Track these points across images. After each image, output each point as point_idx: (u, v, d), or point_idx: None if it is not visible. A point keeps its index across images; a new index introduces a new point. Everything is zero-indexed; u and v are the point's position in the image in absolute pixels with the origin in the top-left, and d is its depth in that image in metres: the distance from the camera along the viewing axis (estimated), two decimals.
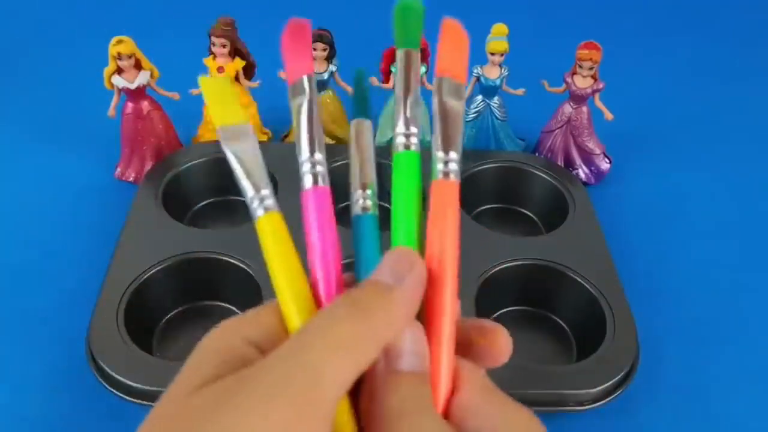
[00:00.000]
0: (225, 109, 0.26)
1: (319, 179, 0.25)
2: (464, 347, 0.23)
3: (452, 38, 0.26)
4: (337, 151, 0.65)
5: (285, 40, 0.26)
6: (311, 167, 0.24)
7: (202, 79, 0.27)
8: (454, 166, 0.24)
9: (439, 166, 0.24)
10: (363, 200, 0.25)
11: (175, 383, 0.20)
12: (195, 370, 0.20)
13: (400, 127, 0.25)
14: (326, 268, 0.23)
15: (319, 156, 0.25)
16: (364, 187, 0.25)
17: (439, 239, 0.23)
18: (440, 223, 0.23)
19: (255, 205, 0.24)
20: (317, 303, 0.23)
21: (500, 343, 0.23)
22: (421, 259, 0.22)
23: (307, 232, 0.24)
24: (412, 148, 0.25)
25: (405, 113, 0.25)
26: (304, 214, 0.24)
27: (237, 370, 0.19)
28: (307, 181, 0.24)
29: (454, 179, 0.24)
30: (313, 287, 0.23)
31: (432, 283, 0.22)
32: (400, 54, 0.26)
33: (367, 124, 0.27)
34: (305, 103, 0.25)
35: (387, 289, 0.21)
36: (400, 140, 0.25)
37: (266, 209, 0.24)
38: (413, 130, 0.25)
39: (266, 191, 0.25)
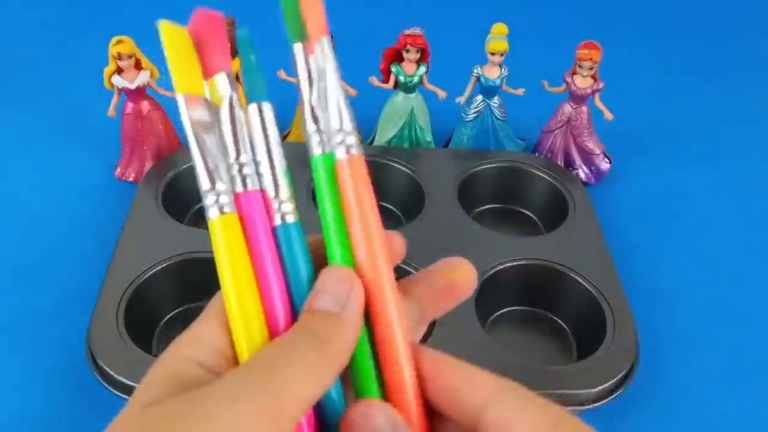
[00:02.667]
0: (189, 73, 0.22)
1: (248, 181, 0.22)
2: (433, 295, 0.24)
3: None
4: None
5: (194, 33, 0.22)
6: (239, 169, 0.22)
7: (162, 25, 0.22)
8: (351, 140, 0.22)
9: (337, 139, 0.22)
10: (281, 206, 0.22)
11: (128, 404, 0.20)
12: (147, 392, 0.20)
13: (310, 124, 0.22)
14: (271, 287, 0.22)
15: (245, 157, 0.22)
16: (278, 191, 0.23)
17: (364, 240, 0.22)
18: (358, 219, 0.22)
19: (209, 202, 0.21)
20: (267, 322, 0.22)
21: (465, 272, 0.24)
22: (357, 277, 0.22)
23: (247, 242, 0.22)
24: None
25: (311, 105, 0.23)
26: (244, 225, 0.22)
27: (191, 389, 0.20)
28: (239, 183, 0.22)
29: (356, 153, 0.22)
30: (264, 303, 0.22)
31: (369, 291, 0.22)
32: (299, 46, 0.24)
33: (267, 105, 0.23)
34: (227, 104, 0.22)
35: (336, 317, 0.21)
36: (314, 139, 0.22)
37: (221, 209, 0.21)
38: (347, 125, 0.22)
39: (223, 186, 0.21)
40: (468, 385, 0.21)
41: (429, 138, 0.68)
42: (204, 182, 0.21)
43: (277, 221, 0.22)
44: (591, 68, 0.63)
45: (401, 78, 0.64)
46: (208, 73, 0.22)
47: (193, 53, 0.22)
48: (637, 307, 0.52)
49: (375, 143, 0.67)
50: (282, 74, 0.65)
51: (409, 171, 0.63)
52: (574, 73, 0.64)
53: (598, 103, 0.65)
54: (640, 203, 0.68)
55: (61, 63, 0.82)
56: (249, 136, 0.22)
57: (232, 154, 0.22)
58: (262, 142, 0.22)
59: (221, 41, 0.22)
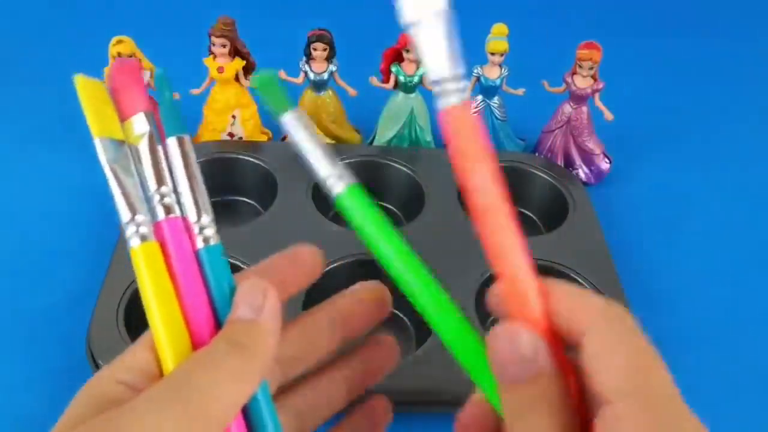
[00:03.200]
0: (104, 119, 0.24)
1: (169, 210, 0.24)
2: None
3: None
4: (337, 151, 0.65)
5: (113, 79, 0.25)
6: (160, 198, 0.24)
7: (77, 79, 0.25)
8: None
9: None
10: (203, 230, 0.24)
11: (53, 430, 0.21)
12: (69, 417, 0.22)
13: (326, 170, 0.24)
14: (194, 306, 0.23)
15: (165, 188, 0.24)
16: (199, 216, 0.24)
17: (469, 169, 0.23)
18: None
19: (130, 232, 0.23)
20: (192, 338, 0.23)
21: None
22: (271, 285, 0.23)
23: (169, 267, 0.23)
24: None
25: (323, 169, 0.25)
26: (164, 250, 0.23)
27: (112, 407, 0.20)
28: (160, 212, 0.24)
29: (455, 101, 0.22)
30: (187, 321, 0.23)
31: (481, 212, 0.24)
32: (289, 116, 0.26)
33: (187, 138, 0.25)
34: (146, 139, 0.24)
35: (253, 323, 0.23)
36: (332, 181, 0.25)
37: (143, 238, 0.23)
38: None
39: (142, 216, 0.23)
40: (575, 308, 0.22)
41: (429, 138, 0.68)
42: (124, 214, 0.23)
43: (200, 244, 0.24)
44: (591, 68, 0.63)
45: (401, 78, 0.64)
46: (128, 114, 0.24)
47: (107, 100, 0.24)
48: (637, 308, 0.52)
49: (375, 143, 0.68)
50: (282, 74, 0.65)
51: (409, 171, 0.63)
52: (574, 73, 0.64)
53: (598, 103, 0.65)
54: (640, 203, 0.68)
55: (61, 63, 0.82)
56: (169, 167, 0.24)
57: (153, 185, 0.24)
58: (183, 172, 0.24)
59: (138, 85, 0.25)
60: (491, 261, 0.23)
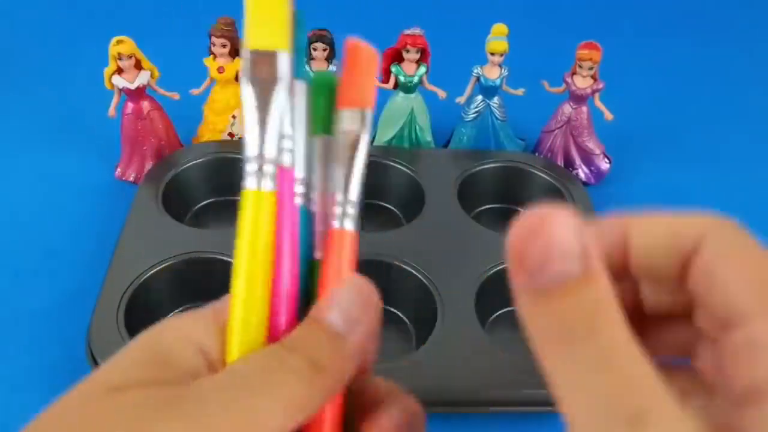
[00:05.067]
0: (267, 29, 0.19)
1: (285, 157, 0.20)
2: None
3: (356, 63, 0.21)
4: None
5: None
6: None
7: None
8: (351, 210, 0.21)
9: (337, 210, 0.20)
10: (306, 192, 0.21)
11: (95, 380, 0.18)
12: (122, 366, 0.18)
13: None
14: (282, 292, 0.20)
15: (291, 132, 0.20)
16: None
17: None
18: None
19: (249, 169, 0.19)
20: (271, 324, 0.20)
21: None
22: (378, 298, 0.20)
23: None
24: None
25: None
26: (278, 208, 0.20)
27: (174, 379, 0.18)
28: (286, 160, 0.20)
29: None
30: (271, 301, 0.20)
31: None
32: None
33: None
34: None
35: (341, 341, 0.19)
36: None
37: (261, 183, 0.19)
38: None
39: (271, 155, 0.19)
40: (672, 232, 0.17)
41: (429, 138, 0.68)
42: (251, 147, 0.19)
43: (298, 201, 0.21)
44: (591, 68, 0.63)
45: (401, 78, 0.64)
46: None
47: (286, 12, 0.19)
48: None
49: (375, 143, 0.67)
50: None
51: (409, 171, 0.63)
52: (574, 73, 0.64)
53: (598, 103, 0.65)
54: (640, 203, 0.68)
55: (61, 63, 0.82)
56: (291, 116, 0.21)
57: (288, 129, 0.20)
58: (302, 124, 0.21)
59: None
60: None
